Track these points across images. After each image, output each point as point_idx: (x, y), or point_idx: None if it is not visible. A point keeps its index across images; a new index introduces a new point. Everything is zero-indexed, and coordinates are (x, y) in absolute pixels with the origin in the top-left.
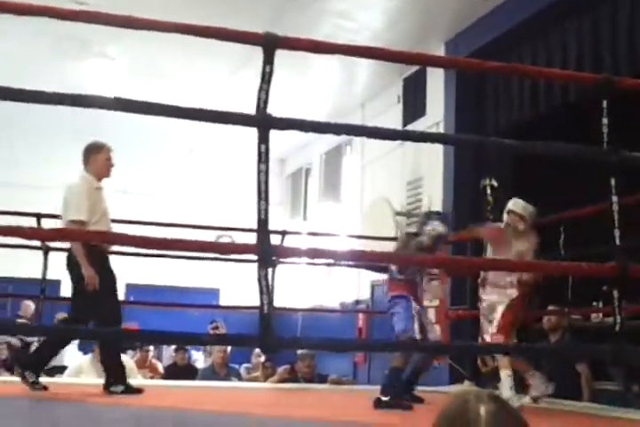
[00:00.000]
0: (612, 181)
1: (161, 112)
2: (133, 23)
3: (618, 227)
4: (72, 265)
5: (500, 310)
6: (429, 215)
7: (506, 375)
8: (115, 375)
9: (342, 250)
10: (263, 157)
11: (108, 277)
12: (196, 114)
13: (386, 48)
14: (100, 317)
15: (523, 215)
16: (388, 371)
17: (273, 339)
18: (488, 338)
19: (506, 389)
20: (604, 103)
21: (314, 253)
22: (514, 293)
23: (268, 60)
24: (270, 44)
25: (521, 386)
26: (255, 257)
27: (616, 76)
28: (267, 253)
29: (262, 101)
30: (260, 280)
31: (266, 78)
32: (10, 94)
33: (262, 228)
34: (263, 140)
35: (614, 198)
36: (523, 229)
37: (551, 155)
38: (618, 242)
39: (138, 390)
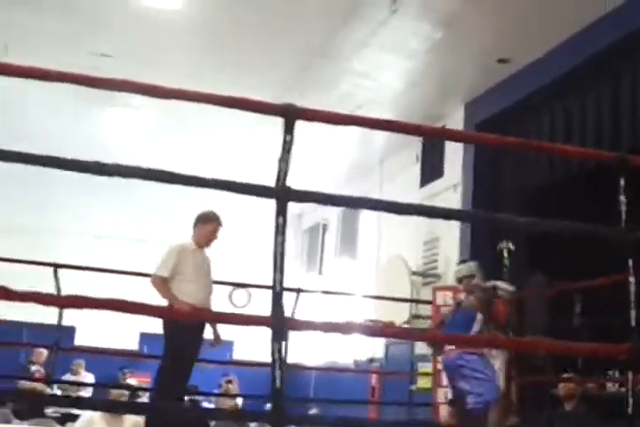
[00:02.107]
0: (630, 262)
1: (178, 181)
2: (156, 92)
3: (634, 307)
4: (167, 332)
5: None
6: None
7: None
8: None
9: (358, 324)
10: (280, 229)
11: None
12: (214, 184)
13: (404, 122)
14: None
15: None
16: None
17: (283, 415)
18: None
19: None
20: (621, 181)
21: (328, 328)
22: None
23: (289, 131)
24: (291, 116)
25: None
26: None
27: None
28: (280, 328)
29: (282, 172)
30: (273, 354)
31: (286, 148)
32: (32, 160)
33: (277, 300)
34: (281, 212)
35: (631, 279)
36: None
37: (565, 233)
38: (633, 323)
39: None
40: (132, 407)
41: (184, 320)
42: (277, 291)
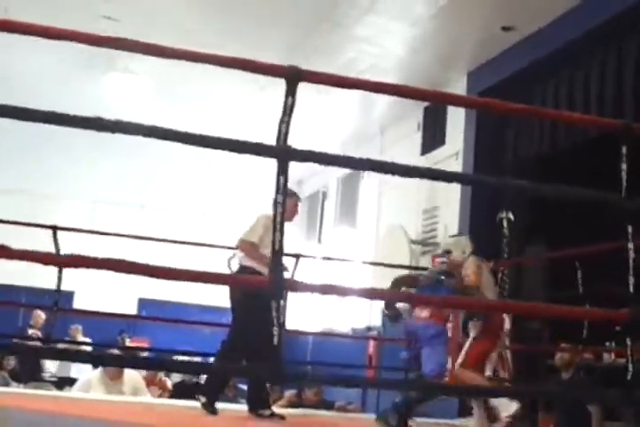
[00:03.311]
0: (629, 228)
1: (180, 139)
2: (163, 52)
3: (632, 273)
4: (235, 294)
5: (467, 343)
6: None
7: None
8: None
9: (356, 288)
10: (281, 189)
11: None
12: (215, 143)
13: (409, 86)
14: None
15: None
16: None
17: (282, 372)
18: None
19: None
20: (623, 149)
21: (327, 290)
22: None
23: (291, 93)
24: (293, 78)
25: None
26: None
27: (636, 115)
28: (279, 288)
29: (283, 133)
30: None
31: (287, 110)
32: (35, 116)
33: (276, 260)
34: (282, 171)
35: (630, 245)
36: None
37: (566, 199)
38: (632, 289)
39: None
40: (140, 362)
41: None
42: (277, 250)
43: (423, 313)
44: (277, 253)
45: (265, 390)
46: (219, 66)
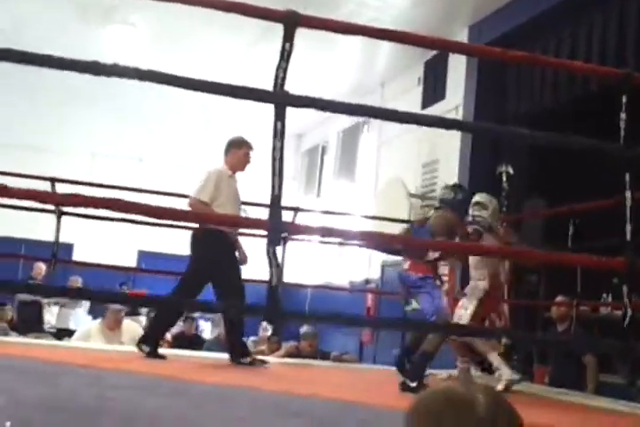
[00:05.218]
0: (627, 177)
1: (178, 84)
2: None
3: (630, 222)
4: (195, 244)
5: (472, 302)
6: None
7: (495, 357)
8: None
9: (353, 230)
10: (279, 134)
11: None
12: (213, 87)
13: (409, 32)
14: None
15: (487, 206)
16: (418, 355)
17: (279, 310)
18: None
19: (503, 368)
20: (624, 98)
21: (325, 232)
22: (485, 285)
23: (288, 38)
24: (291, 22)
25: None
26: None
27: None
28: (277, 230)
29: (280, 78)
30: (268, 255)
31: (285, 56)
32: (36, 60)
33: (275, 204)
34: (279, 117)
35: (628, 194)
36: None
37: (566, 147)
38: (629, 237)
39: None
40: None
41: (212, 238)
42: (276, 194)
43: (405, 264)
44: (276, 196)
45: (241, 339)
46: (217, 10)
